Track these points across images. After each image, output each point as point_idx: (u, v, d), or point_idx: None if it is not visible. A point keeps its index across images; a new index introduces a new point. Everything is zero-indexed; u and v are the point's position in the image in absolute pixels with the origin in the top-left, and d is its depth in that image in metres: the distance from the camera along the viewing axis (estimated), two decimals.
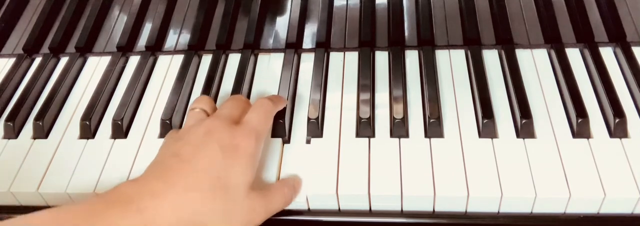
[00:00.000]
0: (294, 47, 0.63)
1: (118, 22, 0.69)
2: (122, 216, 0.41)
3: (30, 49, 0.67)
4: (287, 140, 0.55)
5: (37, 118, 0.58)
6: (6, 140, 0.58)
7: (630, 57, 0.58)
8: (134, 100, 0.59)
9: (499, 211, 0.50)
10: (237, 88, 0.59)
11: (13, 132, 0.58)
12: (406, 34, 0.64)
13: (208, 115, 0.53)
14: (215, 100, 0.59)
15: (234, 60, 0.63)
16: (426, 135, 0.53)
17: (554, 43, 0.61)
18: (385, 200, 0.50)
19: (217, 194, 0.45)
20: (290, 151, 0.53)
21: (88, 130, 0.57)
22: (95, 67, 0.65)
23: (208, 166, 0.46)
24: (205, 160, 0.46)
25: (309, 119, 0.55)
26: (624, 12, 0.62)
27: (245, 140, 0.48)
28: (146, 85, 0.62)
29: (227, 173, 0.46)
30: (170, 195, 0.43)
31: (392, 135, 0.54)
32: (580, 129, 0.52)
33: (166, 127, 0.56)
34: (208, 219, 0.44)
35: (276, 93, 0.58)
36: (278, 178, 0.51)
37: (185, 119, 0.55)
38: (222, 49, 0.64)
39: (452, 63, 0.60)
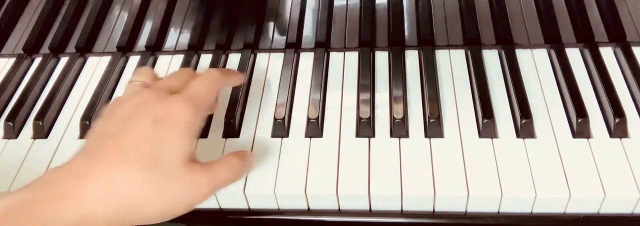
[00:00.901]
0: (293, 47, 0.63)
1: (118, 22, 0.69)
2: (48, 205, 0.39)
3: (30, 49, 0.67)
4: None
5: (37, 118, 0.58)
6: (6, 140, 0.58)
7: (630, 57, 0.58)
8: None
9: (499, 211, 0.50)
10: (236, 88, 0.59)
11: (13, 132, 0.58)
12: (406, 34, 0.64)
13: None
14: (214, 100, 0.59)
15: (233, 60, 0.63)
16: (426, 135, 0.53)
17: (554, 43, 0.60)
18: (385, 200, 0.50)
19: (150, 170, 0.41)
20: (289, 151, 0.53)
21: (88, 130, 0.57)
22: (95, 67, 0.65)
23: (137, 141, 0.42)
24: (134, 134, 0.42)
25: (308, 119, 0.55)
26: (624, 12, 0.62)
27: (181, 109, 0.44)
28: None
29: (160, 147, 0.42)
30: (96, 176, 0.40)
31: (392, 135, 0.54)
32: (580, 129, 0.52)
33: None
34: (143, 197, 0.41)
35: (276, 93, 0.58)
36: (275, 179, 0.51)
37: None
38: (222, 49, 0.64)
39: (452, 63, 0.60)
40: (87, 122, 0.57)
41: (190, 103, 0.44)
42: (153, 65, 0.64)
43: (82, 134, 0.57)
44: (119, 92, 0.62)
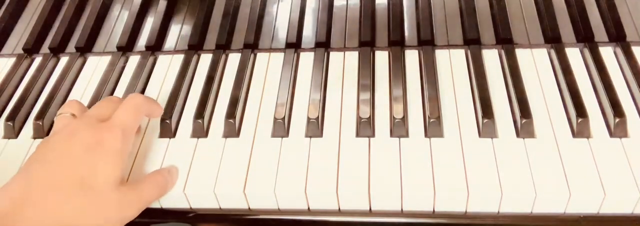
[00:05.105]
0: (294, 46, 0.63)
1: (118, 22, 0.69)
2: None
3: (30, 49, 0.67)
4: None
5: (37, 118, 0.58)
6: (6, 140, 0.58)
7: (630, 57, 0.58)
8: None
9: (499, 211, 0.50)
10: (236, 88, 0.59)
11: (13, 132, 0.58)
12: (406, 34, 0.64)
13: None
14: (214, 99, 0.59)
15: (234, 60, 0.63)
16: (426, 135, 0.53)
17: (554, 43, 0.61)
18: (385, 200, 0.50)
19: (83, 193, 0.45)
20: (289, 151, 0.53)
21: None
22: (95, 67, 0.65)
23: (70, 166, 0.46)
24: (67, 161, 0.46)
25: (308, 119, 0.55)
26: (624, 12, 0.62)
27: (110, 136, 0.47)
28: (146, 85, 0.62)
29: (92, 172, 0.46)
30: (32, 199, 0.44)
31: (392, 135, 0.54)
32: (580, 129, 0.52)
33: (166, 126, 0.56)
34: (78, 219, 0.44)
35: (276, 93, 0.58)
36: (275, 179, 0.51)
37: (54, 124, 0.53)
38: (222, 49, 0.64)
39: (452, 63, 0.60)
40: None
41: (118, 130, 0.48)
42: (153, 64, 0.64)
43: None
44: (119, 91, 0.62)
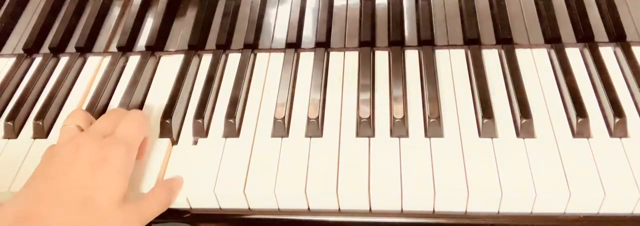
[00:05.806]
0: (293, 46, 0.63)
1: (118, 22, 0.69)
2: None
3: (30, 49, 0.67)
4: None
5: (37, 118, 0.58)
6: (6, 140, 0.58)
7: (630, 57, 0.58)
8: (134, 100, 0.59)
9: (499, 211, 0.50)
10: (236, 88, 0.59)
11: (13, 131, 0.58)
12: (406, 34, 0.64)
13: (82, 131, 0.52)
14: (214, 100, 0.59)
15: (234, 60, 0.63)
16: (426, 135, 0.53)
17: (554, 43, 0.61)
18: (385, 200, 0.50)
19: (87, 210, 0.44)
20: (289, 151, 0.53)
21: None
22: (95, 67, 0.65)
23: (75, 183, 0.45)
24: (73, 177, 0.46)
25: (308, 119, 0.55)
26: (624, 12, 0.62)
27: (114, 153, 0.47)
28: (146, 85, 0.62)
29: (95, 190, 0.45)
30: (36, 216, 0.43)
31: (392, 134, 0.54)
32: (580, 129, 0.52)
33: (166, 127, 0.56)
34: None
35: (276, 93, 0.58)
36: (275, 179, 0.51)
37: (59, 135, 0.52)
38: (222, 49, 0.64)
39: (452, 63, 0.60)
40: None
41: (122, 147, 0.48)
42: (153, 65, 0.64)
43: None
44: (119, 91, 0.62)
